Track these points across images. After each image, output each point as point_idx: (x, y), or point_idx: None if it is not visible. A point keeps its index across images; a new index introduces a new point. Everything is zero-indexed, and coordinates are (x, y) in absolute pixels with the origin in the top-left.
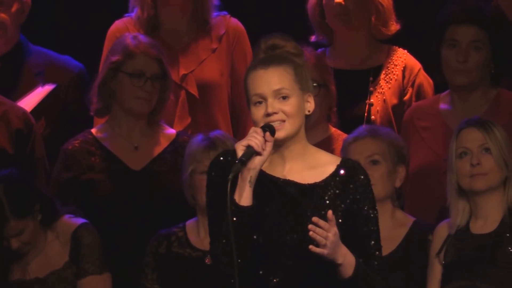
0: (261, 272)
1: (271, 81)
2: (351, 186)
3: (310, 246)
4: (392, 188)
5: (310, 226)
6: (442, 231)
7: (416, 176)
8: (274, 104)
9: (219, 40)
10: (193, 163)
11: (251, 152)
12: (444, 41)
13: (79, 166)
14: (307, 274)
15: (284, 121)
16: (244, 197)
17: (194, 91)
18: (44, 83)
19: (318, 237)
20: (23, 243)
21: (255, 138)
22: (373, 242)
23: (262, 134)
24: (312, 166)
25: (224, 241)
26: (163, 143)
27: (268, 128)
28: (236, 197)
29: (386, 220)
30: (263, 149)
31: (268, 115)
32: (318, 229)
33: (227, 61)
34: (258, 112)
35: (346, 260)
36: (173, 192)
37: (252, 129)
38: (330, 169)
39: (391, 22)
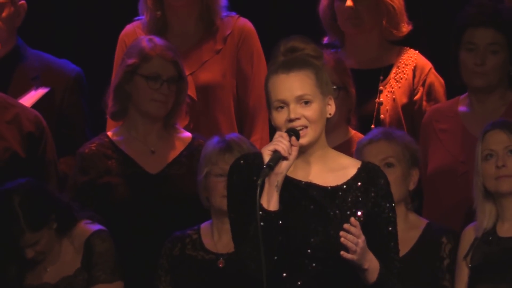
0: (285, 275)
1: (293, 86)
2: (373, 189)
3: (342, 252)
4: (406, 191)
5: (342, 233)
6: (469, 234)
7: (434, 178)
8: (296, 110)
9: (224, 41)
10: (208, 165)
11: (278, 157)
12: (462, 44)
13: (96, 170)
14: (331, 276)
15: (306, 127)
16: (272, 202)
17: (192, 93)
18: (38, 86)
19: (349, 244)
20: (38, 252)
21: (281, 142)
22: (392, 245)
23: (288, 138)
24: (333, 169)
25: (251, 246)
26: (179, 147)
27: (293, 133)
28: (264, 202)
29: (399, 223)
30: (289, 154)
31: (290, 120)
32: (349, 236)
33: (231, 62)
34: (280, 117)
35: (372, 265)
36: (189, 196)
37: (278, 133)
38: (351, 172)
39: (403, 24)
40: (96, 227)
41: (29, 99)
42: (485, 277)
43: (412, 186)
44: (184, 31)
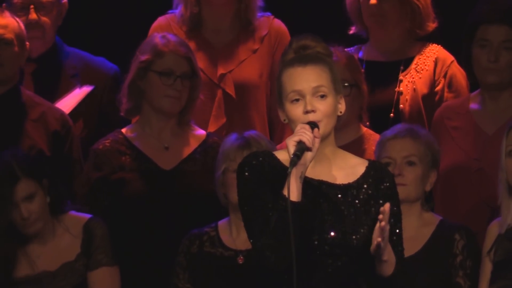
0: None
1: (310, 78)
2: (382, 187)
3: (375, 236)
4: (423, 191)
5: (380, 217)
6: (493, 230)
7: (447, 175)
8: (312, 102)
9: (260, 41)
10: (227, 162)
11: (302, 148)
12: (475, 41)
13: (110, 166)
14: (346, 273)
15: (320, 120)
16: (295, 192)
17: (231, 91)
18: (81, 84)
19: (386, 227)
20: (32, 213)
21: (305, 133)
22: (399, 242)
23: (310, 130)
24: (341, 167)
25: (273, 238)
26: (193, 144)
27: (314, 125)
28: (286, 192)
29: (413, 221)
30: (313, 145)
31: (307, 112)
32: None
33: (267, 63)
34: (295, 110)
35: (390, 257)
36: (203, 192)
37: (300, 125)
38: (360, 170)
39: (428, 23)
40: (88, 215)
41: (74, 97)
42: (505, 274)
43: (428, 187)
44: (219, 28)
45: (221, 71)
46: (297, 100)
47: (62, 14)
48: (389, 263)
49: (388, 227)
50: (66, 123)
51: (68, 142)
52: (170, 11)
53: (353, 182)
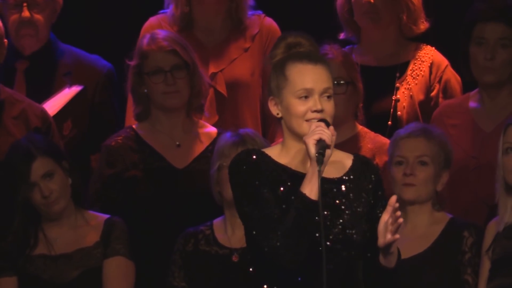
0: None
1: (321, 78)
2: (370, 178)
3: (381, 228)
4: (433, 191)
5: (389, 208)
6: (492, 228)
7: None
8: (321, 101)
9: (252, 39)
10: (222, 158)
11: (323, 146)
12: (472, 39)
13: (123, 163)
14: (346, 268)
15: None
16: (314, 191)
17: (222, 89)
18: (71, 84)
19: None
20: (53, 191)
21: (324, 132)
22: None
23: (327, 127)
24: (331, 162)
25: (292, 236)
26: (205, 142)
27: (328, 123)
28: (306, 191)
29: (423, 219)
30: (331, 142)
31: (316, 111)
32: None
33: (259, 61)
34: (301, 106)
35: (395, 250)
36: None
37: (315, 123)
38: (347, 163)
39: (421, 21)
40: (108, 215)
41: (63, 97)
42: (502, 272)
43: (440, 187)
44: (211, 27)
45: (212, 70)
46: (306, 97)
47: (57, 12)
48: (394, 256)
49: (401, 220)
50: (46, 120)
51: (49, 138)
52: (161, 11)
53: (343, 176)
